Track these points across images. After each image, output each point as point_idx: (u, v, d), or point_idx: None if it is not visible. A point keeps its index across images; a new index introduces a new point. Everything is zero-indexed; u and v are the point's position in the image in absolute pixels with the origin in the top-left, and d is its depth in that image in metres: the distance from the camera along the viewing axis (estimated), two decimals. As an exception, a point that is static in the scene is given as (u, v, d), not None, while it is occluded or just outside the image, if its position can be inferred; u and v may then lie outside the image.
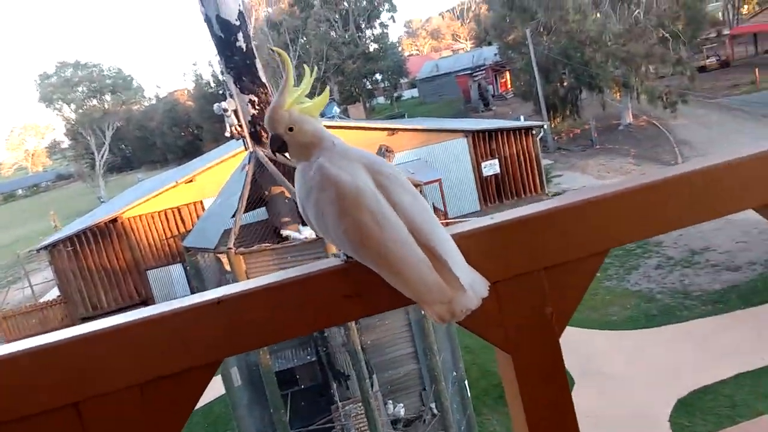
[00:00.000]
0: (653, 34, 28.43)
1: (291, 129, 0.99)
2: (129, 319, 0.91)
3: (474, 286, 0.91)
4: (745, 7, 47.87)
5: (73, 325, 0.97)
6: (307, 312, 0.95)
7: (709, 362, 10.89)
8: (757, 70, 34.63)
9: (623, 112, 32.15)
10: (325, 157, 0.97)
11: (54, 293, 25.34)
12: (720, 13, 47.74)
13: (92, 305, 23.10)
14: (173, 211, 23.22)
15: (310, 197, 0.96)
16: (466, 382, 10.14)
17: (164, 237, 23.33)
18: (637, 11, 29.13)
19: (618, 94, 32.07)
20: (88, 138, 53.10)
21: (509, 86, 45.86)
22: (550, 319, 1.02)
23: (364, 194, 0.91)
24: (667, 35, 28.91)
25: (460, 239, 0.98)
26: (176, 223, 23.26)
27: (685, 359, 11.27)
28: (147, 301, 23.54)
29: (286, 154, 1.03)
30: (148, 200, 22.98)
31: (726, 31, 43.63)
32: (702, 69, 37.12)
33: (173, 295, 23.59)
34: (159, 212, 23.16)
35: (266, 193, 9.47)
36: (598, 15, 29.62)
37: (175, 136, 64.74)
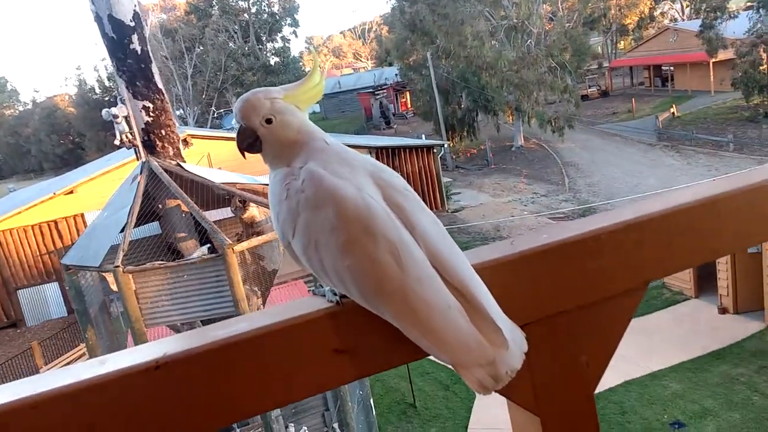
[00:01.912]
0: (543, 63, 30.30)
1: (269, 121, 0.73)
2: (19, 395, 0.59)
3: (515, 339, 0.69)
4: (622, 42, 52.50)
5: None
6: (283, 376, 0.68)
7: (599, 373, 11.47)
8: (633, 100, 37.98)
9: (516, 135, 33.87)
10: (316, 161, 0.71)
11: None
12: (600, 47, 51.98)
13: (-51, 330, 20.48)
14: (49, 225, 21.17)
15: (295, 218, 0.69)
16: (371, 400, 9.93)
17: (39, 253, 21.21)
18: (529, 41, 30.96)
19: (511, 117, 33.79)
20: (-50, 143, 47.62)
21: (410, 106, 46.89)
22: (586, 369, 0.82)
23: (377, 216, 0.66)
24: (555, 64, 30.93)
25: (483, 269, 0.76)
26: (53, 238, 21.23)
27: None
28: (17, 324, 21.24)
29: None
30: (20, 212, 20.80)
31: (606, 64, 47.58)
32: (585, 97, 40.11)
33: (47, 316, 21.42)
34: (33, 226, 21.03)
35: (160, 206, 8.77)
36: (495, 43, 31.12)
37: (53, 144, 59.59)
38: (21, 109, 64.22)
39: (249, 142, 0.75)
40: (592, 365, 0.82)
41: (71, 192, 21.07)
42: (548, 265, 0.80)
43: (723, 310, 12.85)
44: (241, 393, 0.66)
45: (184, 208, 8.47)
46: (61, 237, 21.16)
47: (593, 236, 0.82)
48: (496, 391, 0.82)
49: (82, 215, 20.89)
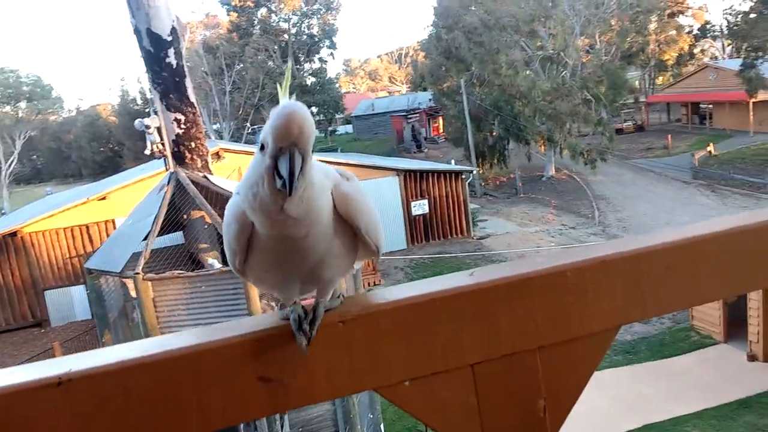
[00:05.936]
0: (578, 95, 30.06)
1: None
2: None
3: None
4: (660, 78, 51.89)
5: None
6: (198, 403, 0.63)
7: (619, 412, 11.07)
8: (669, 136, 37.34)
9: (547, 165, 33.54)
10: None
11: (-66, 310, 22.77)
12: (637, 82, 51.46)
13: (-22, 325, 20.95)
14: (81, 229, 21.65)
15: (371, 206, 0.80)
16: (382, 425, 9.75)
17: (68, 256, 21.66)
18: (564, 72, 30.79)
19: (543, 147, 33.51)
20: (-5, 145, 49.40)
21: (441, 131, 47.01)
22: (543, 416, 0.75)
23: None
24: (590, 97, 30.67)
25: (433, 302, 0.70)
26: (83, 242, 21.68)
27: (596, 409, 11.40)
28: (41, 324, 21.63)
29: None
30: (54, 215, 21.33)
31: (642, 99, 47.02)
32: (619, 131, 39.60)
33: (72, 317, 21.77)
34: (65, 229, 21.52)
35: (185, 216, 8.89)
36: (529, 72, 31.05)
37: (93, 151, 61.32)
38: (65, 116, 66.39)
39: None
40: (551, 412, 0.75)
41: (104, 198, 21.56)
42: (508, 301, 0.73)
43: (752, 357, 12.33)
44: (149, 419, 0.61)
45: (207, 219, 8.56)
46: (91, 241, 21.60)
47: (559, 272, 0.75)
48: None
49: (113, 221, 21.31)
